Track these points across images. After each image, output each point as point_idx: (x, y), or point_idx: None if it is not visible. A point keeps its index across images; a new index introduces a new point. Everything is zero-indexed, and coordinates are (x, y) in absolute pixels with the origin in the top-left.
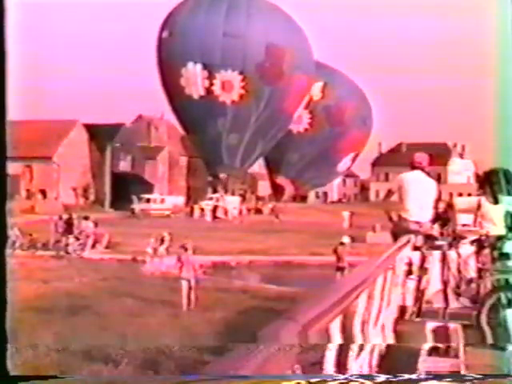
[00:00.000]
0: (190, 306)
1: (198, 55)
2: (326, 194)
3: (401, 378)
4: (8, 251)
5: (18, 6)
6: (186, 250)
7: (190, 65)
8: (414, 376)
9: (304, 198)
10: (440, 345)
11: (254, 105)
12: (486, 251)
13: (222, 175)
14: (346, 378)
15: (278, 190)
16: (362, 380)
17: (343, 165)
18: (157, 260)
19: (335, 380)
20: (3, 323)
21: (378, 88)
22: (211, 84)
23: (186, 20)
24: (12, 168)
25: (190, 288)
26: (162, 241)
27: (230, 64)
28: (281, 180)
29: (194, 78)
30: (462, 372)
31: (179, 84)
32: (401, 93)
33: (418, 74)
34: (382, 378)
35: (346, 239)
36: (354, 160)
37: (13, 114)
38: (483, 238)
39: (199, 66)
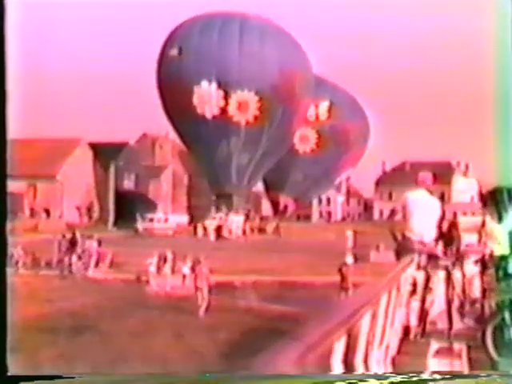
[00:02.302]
0: (202, 314)
1: (213, 74)
2: (329, 213)
3: (413, 377)
4: (11, 270)
5: (19, 22)
6: (199, 262)
7: (205, 83)
8: (425, 376)
9: (308, 217)
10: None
11: (266, 125)
12: (491, 271)
13: (230, 194)
14: (360, 378)
15: (279, 208)
16: (374, 380)
17: (339, 179)
18: (161, 280)
19: (346, 380)
20: (3, 322)
21: (382, 106)
22: (226, 103)
23: (198, 38)
24: (16, 186)
25: (202, 298)
26: (165, 260)
27: (246, 84)
28: (283, 198)
29: (208, 97)
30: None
31: (191, 102)
32: (404, 111)
33: (422, 93)
34: (397, 378)
35: (349, 259)
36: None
37: (17, 132)
38: (487, 257)
39: (214, 85)
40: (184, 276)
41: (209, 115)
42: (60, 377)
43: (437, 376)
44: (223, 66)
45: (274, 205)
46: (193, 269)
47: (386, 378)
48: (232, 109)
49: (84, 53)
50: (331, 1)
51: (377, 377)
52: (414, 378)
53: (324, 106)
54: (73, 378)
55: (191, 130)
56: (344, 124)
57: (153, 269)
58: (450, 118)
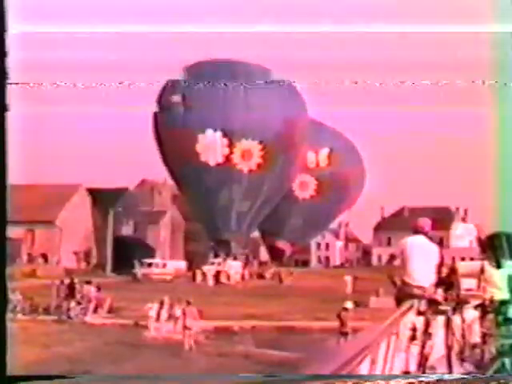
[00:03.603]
0: (192, 349)
1: (218, 122)
2: (328, 258)
3: (421, 378)
4: (9, 315)
5: (19, 63)
6: (189, 303)
7: (209, 132)
8: (435, 376)
9: (306, 263)
10: None
11: (268, 173)
12: (491, 316)
13: (228, 241)
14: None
15: (276, 253)
16: (381, 380)
17: (335, 222)
18: (158, 324)
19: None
20: (3, 322)
21: (380, 152)
22: (231, 152)
23: (203, 86)
24: (14, 232)
25: (190, 335)
26: (162, 305)
27: (250, 133)
28: (280, 243)
29: (212, 145)
30: None
31: (194, 150)
32: (402, 157)
33: (420, 138)
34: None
35: (349, 304)
36: None
37: (16, 178)
38: (487, 302)
39: (219, 134)
40: (177, 319)
41: (212, 163)
42: (60, 377)
43: (445, 377)
44: (229, 115)
45: (272, 250)
46: (183, 310)
47: (391, 378)
48: (236, 157)
49: (83, 99)
50: (328, 48)
51: (384, 377)
52: (421, 379)
53: (324, 152)
54: (73, 377)
55: (192, 176)
56: (343, 170)
57: (152, 314)
58: (448, 163)
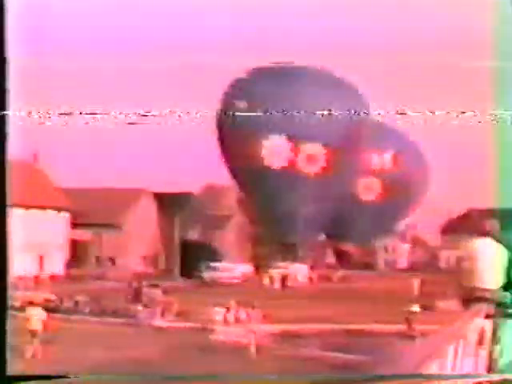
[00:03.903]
0: (257, 353)
1: (283, 127)
2: (394, 261)
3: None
4: (78, 316)
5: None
6: (254, 307)
7: (274, 136)
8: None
9: (372, 266)
10: None
11: (333, 176)
12: None
13: (294, 244)
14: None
15: (343, 256)
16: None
17: (401, 226)
18: (226, 328)
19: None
20: (3, 323)
21: (445, 153)
22: (295, 156)
23: (268, 91)
24: (82, 235)
25: (256, 339)
26: (228, 309)
27: (315, 136)
28: (347, 246)
29: (277, 149)
30: None
31: (258, 154)
32: (468, 157)
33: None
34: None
35: (416, 307)
36: None
37: (83, 182)
38: None
39: (284, 138)
40: (243, 323)
41: (277, 167)
42: (59, 376)
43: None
44: (293, 119)
45: (338, 253)
46: (249, 314)
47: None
48: (301, 161)
49: (146, 104)
50: (384, 46)
51: (450, 377)
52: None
53: (389, 155)
54: (76, 377)
55: (257, 180)
56: (408, 172)
57: (219, 317)
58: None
